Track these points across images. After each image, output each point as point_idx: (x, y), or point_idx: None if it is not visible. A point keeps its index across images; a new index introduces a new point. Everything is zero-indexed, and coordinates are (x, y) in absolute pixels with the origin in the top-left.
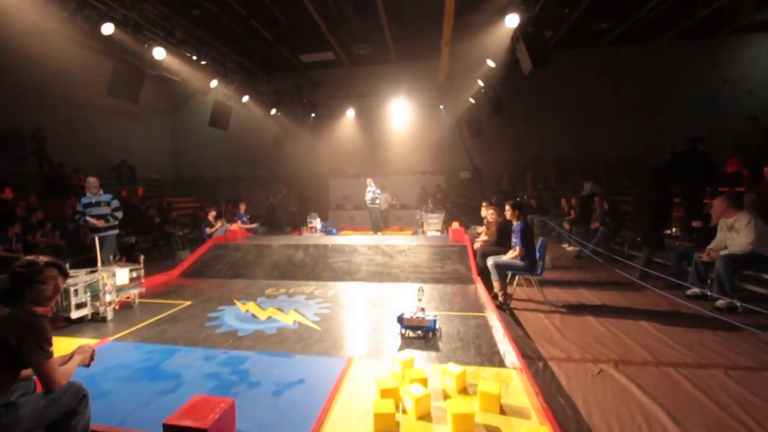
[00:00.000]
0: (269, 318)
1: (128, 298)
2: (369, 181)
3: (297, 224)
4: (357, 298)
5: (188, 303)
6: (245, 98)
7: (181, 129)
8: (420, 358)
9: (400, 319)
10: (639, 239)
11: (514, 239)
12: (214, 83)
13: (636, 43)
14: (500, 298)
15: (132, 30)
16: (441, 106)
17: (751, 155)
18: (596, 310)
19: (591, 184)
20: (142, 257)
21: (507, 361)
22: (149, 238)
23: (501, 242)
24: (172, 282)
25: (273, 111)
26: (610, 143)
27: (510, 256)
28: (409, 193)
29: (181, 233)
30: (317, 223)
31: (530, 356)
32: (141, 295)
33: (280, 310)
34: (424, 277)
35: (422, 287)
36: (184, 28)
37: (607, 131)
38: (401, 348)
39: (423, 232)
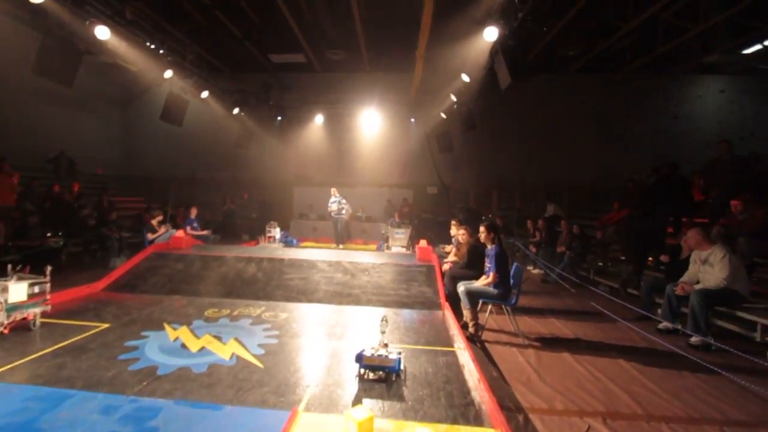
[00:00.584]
0: (202, 350)
1: (25, 318)
2: (333, 190)
3: (256, 232)
4: (311, 324)
5: (105, 326)
6: (205, 93)
7: (134, 123)
8: (381, 411)
9: (359, 358)
10: (624, 258)
11: (488, 264)
12: (168, 74)
13: (600, 73)
14: (470, 329)
15: (70, 3)
16: (412, 119)
17: (721, 181)
18: (571, 346)
19: (554, 207)
20: (48, 268)
21: (483, 416)
22: (81, 242)
23: (472, 265)
24: (94, 297)
25: (236, 110)
26: (572, 167)
27: (483, 282)
28: (374, 205)
29: (119, 237)
30: (276, 232)
31: (508, 407)
32: (45, 314)
33: (218, 338)
34: (387, 300)
35: (386, 317)
36: (137, 10)
37: (569, 155)
38: (359, 394)
39: (388, 248)
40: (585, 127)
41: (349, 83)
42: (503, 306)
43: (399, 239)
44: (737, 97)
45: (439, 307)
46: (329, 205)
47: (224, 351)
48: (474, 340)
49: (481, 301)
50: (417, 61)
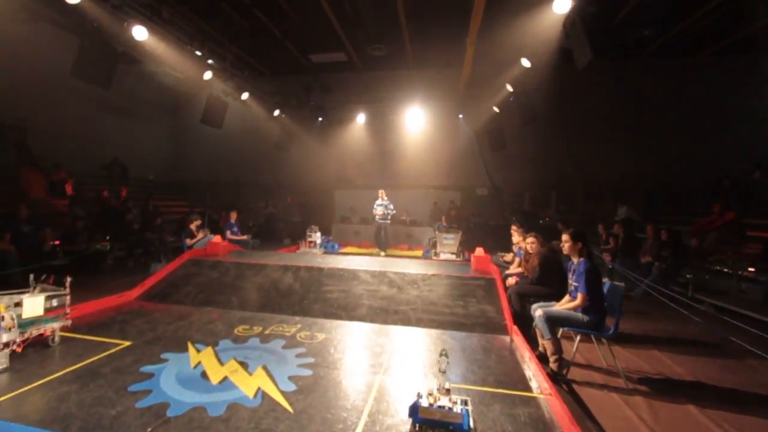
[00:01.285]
0: (223, 381)
1: (42, 334)
2: (381, 192)
3: (298, 236)
4: (352, 349)
5: (126, 344)
6: (245, 95)
7: (182, 128)
8: None
9: (414, 410)
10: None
11: (573, 282)
12: (207, 75)
13: (676, 58)
14: (552, 364)
15: (108, 4)
16: (460, 116)
17: None
18: (695, 394)
19: (626, 208)
20: (68, 279)
21: None
22: (125, 246)
23: (545, 280)
24: (126, 307)
25: (276, 112)
26: (643, 164)
27: (568, 305)
28: (419, 208)
29: (162, 241)
30: (317, 237)
31: None
32: (68, 328)
33: (244, 365)
34: (441, 319)
35: (446, 352)
36: (175, 12)
37: (640, 151)
38: None
39: (435, 254)
40: (657, 119)
41: (391, 81)
42: (595, 338)
43: (448, 245)
44: None
45: (504, 330)
46: (375, 207)
47: (249, 385)
48: (557, 381)
49: (561, 329)
50: (467, 50)
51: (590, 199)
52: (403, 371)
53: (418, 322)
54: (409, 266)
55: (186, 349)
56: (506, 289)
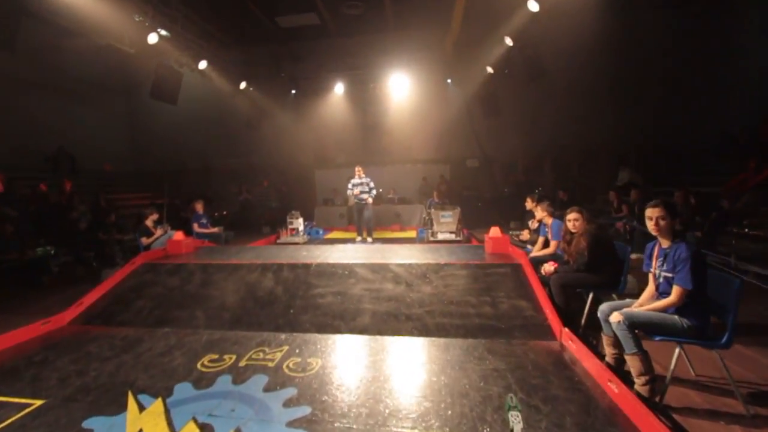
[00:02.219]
0: None
1: None
2: (358, 170)
3: (278, 224)
4: (362, 384)
5: (36, 404)
6: (203, 64)
7: (141, 112)
8: None
9: None
10: None
11: (665, 272)
12: (153, 39)
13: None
14: (640, 388)
15: None
16: (448, 80)
17: None
18: None
19: (629, 172)
20: None
21: None
22: (72, 250)
23: (594, 266)
24: (54, 336)
25: (243, 85)
26: (643, 125)
27: (658, 304)
28: (407, 184)
29: (113, 243)
30: (299, 223)
31: None
32: None
33: (207, 430)
34: (468, 324)
35: (515, 404)
36: None
37: (637, 110)
38: None
39: (433, 234)
40: (653, 75)
41: (371, 46)
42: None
43: (446, 223)
44: None
45: (550, 334)
46: (350, 187)
47: None
48: (652, 409)
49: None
50: (456, 3)
51: (585, 165)
52: (445, 419)
53: (440, 330)
54: (412, 254)
55: (124, 408)
56: (540, 277)
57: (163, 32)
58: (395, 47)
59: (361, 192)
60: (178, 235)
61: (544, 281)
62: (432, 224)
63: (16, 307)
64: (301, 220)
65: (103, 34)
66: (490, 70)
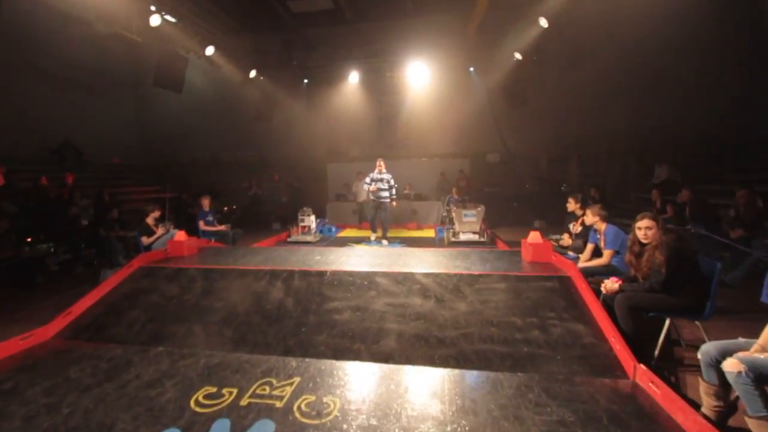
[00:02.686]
0: None
1: None
2: (380, 163)
3: (288, 220)
4: None
5: None
6: (210, 50)
7: (150, 104)
8: None
9: None
10: None
11: None
12: (154, 20)
13: None
14: None
15: None
16: (471, 69)
17: None
18: None
19: (667, 168)
20: None
21: None
22: (71, 247)
23: (675, 286)
24: (35, 353)
25: (253, 73)
26: (678, 117)
27: None
28: (424, 180)
29: (114, 240)
30: (311, 221)
31: None
32: None
33: None
34: (515, 352)
35: None
36: None
37: (673, 102)
38: None
39: (455, 235)
40: (707, 61)
41: (387, 32)
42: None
43: (469, 223)
44: None
45: (619, 369)
46: (369, 182)
47: None
48: None
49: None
50: None
51: (615, 161)
52: None
53: (482, 360)
54: (439, 261)
55: None
56: (598, 294)
57: (169, 17)
58: (414, 33)
59: (380, 189)
60: (180, 235)
61: (604, 300)
62: (453, 223)
63: (1, 313)
64: (312, 217)
65: (110, 21)
66: (518, 56)
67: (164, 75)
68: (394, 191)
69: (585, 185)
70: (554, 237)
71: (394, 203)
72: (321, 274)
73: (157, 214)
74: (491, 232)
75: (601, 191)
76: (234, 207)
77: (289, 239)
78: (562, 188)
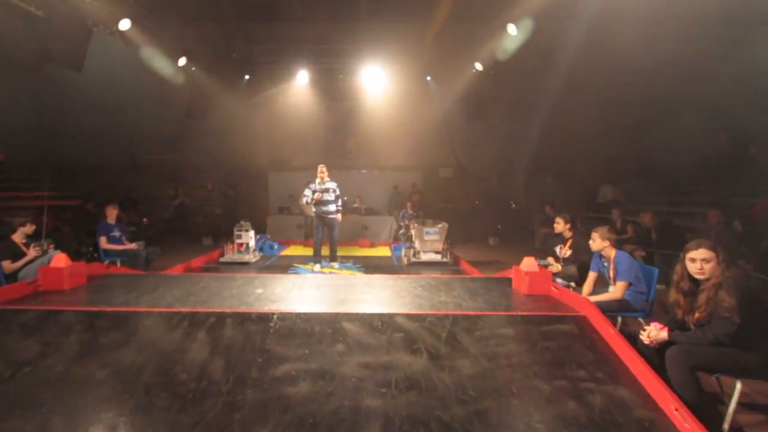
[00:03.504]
0: None
1: None
2: (322, 169)
3: (222, 235)
4: None
5: None
6: (125, 24)
7: (53, 91)
8: None
9: None
10: None
11: None
12: None
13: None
14: None
15: None
16: (428, 78)
17: None
18: None
19: (612, 189)
20: None
21: None
22: None
23: (748, 339)
24: None
25: (182, 61)
26: (616, 142)
27: None
28: (374, 193)
29: None
30: (249, 236)
31: None
32: None
33: None
34: None
35: None
36: None
37: (623, 126)
38: None
39: (415, 254)
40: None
41: (342, 34)
42: None
43: (431, 242)
44: None
45: None
46: (308, 193)
47: None
48: None
49: None
50: None
51: (560, 178)
52: None
53: None
54: (417, 293)
55: None
56: (634, 342)
57: None
58: (370, 37)
59: (325, 201)
60: (59, 260)
61: (641, 351)
62: (412, 241)
63: None
64: (251, 233)
65: None
66: (479, 66)
67: (61, 48)
68: (340, 202)
69: (537, 203)
70: (541, 262)
71: (339, 217)
72: (264, 318)
73: (28, 229)
74: (449, 250)
75: (556, 209)
76: (145, 220)
77: (222, 259)
78: (512, 206)
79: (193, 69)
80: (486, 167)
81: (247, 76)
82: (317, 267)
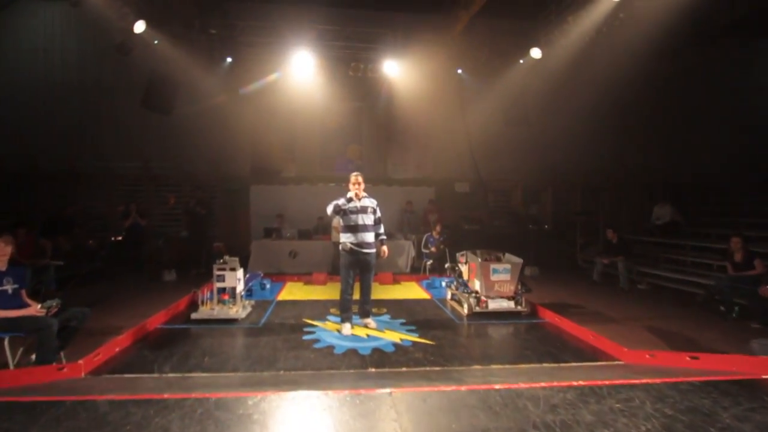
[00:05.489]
0: None
1: None
2: (357, 178)
3: (192, 264)
4: None
5: None
6: None
7: None
8: None
9: None
10: None
11: None
12: None
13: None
14: None
15: None
16: (459, 70)
17: None
18: None
19: (670, 208)
20: None
21: None
22: None
23: None
24: None
25: (140, 26)
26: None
27: None
28: (384, 212)
29: None
30: (236, 278)
31: None
32: None
33: None
34: None
35: None
36: None
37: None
38: None
39: (479, 303)
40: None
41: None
42: None
43: (500, 282)
44: None
45: None
46: (330, 210)
47: None
48: None
49: None
50: None
51: (585, 197)
52: None
53: None
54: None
55: None
56: None
57: None
58: (385, 19)
59: (363, 225)
60: None
61: None
62: (461, 278)
63: None
64: (239, 273)
65: None
66: (537, 53)
67: None
68: (383, 229)
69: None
70: None
71: (386, 250)
72: None
73: None
74: (527, 298)
75: (619, 235)
76: (96, 247)
77: (195, 315)
78: (545, 227)
79: (156, 42)
80: (508, 182)
81: (228, 59)
82: (347, 328)
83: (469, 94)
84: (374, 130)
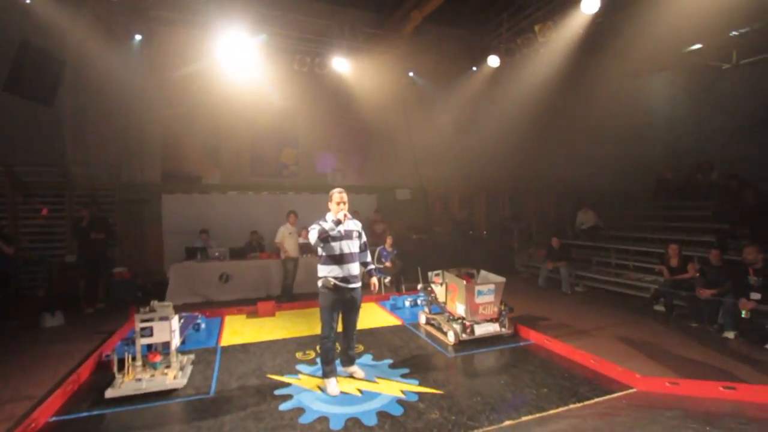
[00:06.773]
0: None
1: None
2: (342, 196)
3: (82, 300)
4: None
5: None
6: None
7: None
8: None
9: None
10: None
11: None
12: None
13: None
14: None
15: None
16: (410, 73)
17: None
18: None
19: (593, 214)
20: None
21: None
22: None
23: None
24: None
25: None
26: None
27: None
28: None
29: None
30: (173, 329)
31: None
32: None
33: None
34: None
35: None
36: None
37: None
38: None
39: (465, 329)
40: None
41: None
42: None
43: (485, 305)
44: None
45: None
46: (312, 233)
47: None
48: None
49: None
50: None
51: (514, 203)
52: None
53: None
54: None
55: None
56: None
57: None
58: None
59: (346, 255)
60: None
61: None
62: (439, 303)
63: None
64: (173, 321)
65: None
66: (494, 62)
67: None
68: (370, 257)
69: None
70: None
71: (375, 284)
72: None
73: None
74: (510, 318)
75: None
76: None
77: (110, 392)
78: (484, 233)
79: (29, 1)
80: (446, 189)
81: (138, 37)
82: (332, 385)
83: (421, 98)
84: (312, 133)
